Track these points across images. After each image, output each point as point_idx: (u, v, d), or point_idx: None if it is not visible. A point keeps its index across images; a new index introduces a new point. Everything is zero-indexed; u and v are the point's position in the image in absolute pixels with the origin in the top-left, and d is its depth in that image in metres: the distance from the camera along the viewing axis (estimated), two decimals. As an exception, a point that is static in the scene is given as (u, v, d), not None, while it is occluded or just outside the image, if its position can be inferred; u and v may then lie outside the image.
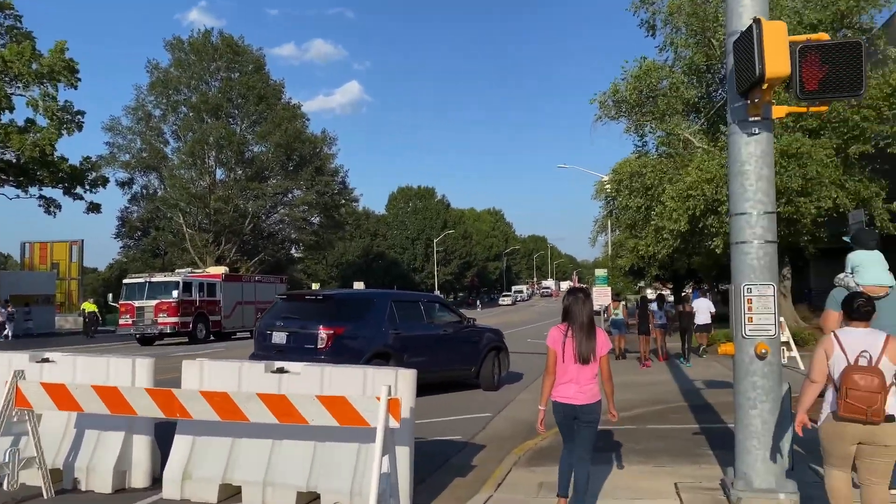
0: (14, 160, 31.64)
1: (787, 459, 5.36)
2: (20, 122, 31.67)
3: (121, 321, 28.12)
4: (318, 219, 52.68)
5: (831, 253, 14.99)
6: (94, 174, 35.51)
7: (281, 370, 6.02)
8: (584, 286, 12.26)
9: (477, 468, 7.33)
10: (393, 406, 4.95)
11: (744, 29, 5.04)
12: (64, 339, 31.24)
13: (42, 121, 32.00)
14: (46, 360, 6.66)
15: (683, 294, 25.18)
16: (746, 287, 5.39)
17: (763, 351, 5.31)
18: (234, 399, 5.38)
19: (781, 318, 9.37)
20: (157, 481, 6.24)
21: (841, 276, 5.89)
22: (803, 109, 5.42)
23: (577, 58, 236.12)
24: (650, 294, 29.06)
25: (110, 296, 32.69)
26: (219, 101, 46.36)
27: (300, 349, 10.65)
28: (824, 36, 5.01)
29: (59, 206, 35.20)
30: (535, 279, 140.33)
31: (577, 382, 5.07)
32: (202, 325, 28.84)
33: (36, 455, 5.99)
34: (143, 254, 54.39)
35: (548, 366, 5.18)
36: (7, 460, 5.87)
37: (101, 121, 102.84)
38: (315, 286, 53.14)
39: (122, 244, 52.09)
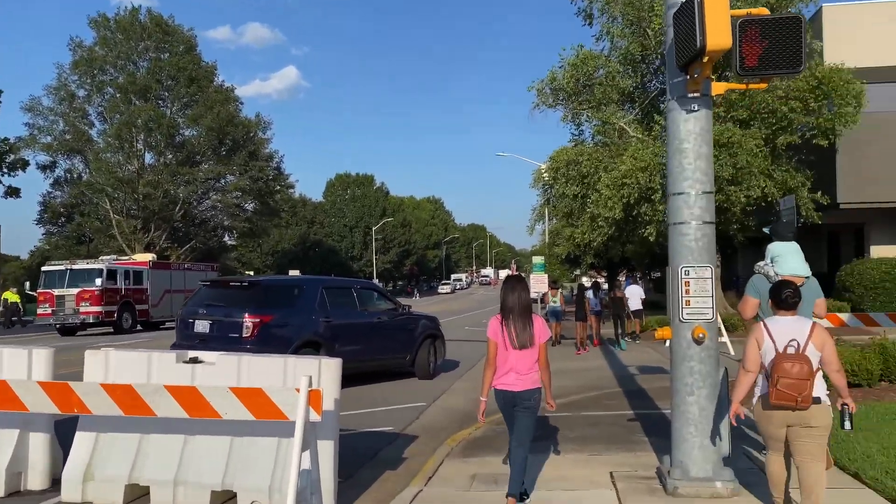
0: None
1: (726, 445, 5.28)
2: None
3: (39, 310, 26.79)
4: (252, 205, 51.30)
5: (759, 241, 15.26)
6: (12, 157, 33.62)
7: (195, 360, 5.58)
8: (521, 274, 12.14)
9: (408, 460, 7.05)
10: (314, 398, 4.59)
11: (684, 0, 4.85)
12: (-23, 331, 29.49)
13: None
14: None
15: (616, 282, 25.46)
16: (684, 269, 5.24)
17: (701, 335, 5.17)
18: (139, 392, 4.89)
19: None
20: (56, 483, 5.70)
21: (760, 263, 5.97)
22: (743, 86, 5.28)
23: (519, 42, 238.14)
24: (586, 282, 29.31)
25: (27, 284, 31.01)
26: (147, 82, 44.41)
27: (224, 338, 10.16)
28: (764, 11, 4.87)
29: (-27, 190, 33.31)
30: (474, 267, 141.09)
31: (516, 371, 5.07)
32: (128, 315, 27.69)
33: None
34: (67, 241, 51.76)
35: (489, 357, 5.17)
36: None
37: (19, 101, 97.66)
38: (249, 274, 51.81)
39: (44, 230, 49.61)
